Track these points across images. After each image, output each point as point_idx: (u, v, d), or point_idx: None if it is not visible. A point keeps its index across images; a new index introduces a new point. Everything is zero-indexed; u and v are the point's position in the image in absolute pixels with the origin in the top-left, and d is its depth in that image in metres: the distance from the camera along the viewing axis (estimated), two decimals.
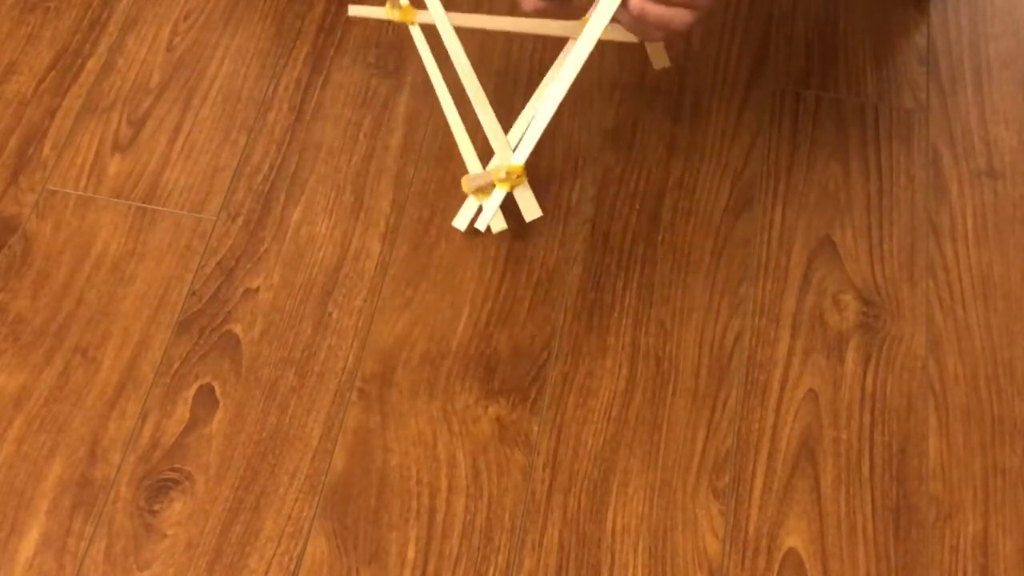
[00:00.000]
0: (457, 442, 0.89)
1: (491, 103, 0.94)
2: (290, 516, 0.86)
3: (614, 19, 0.86)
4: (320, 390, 0.91)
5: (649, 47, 1.02)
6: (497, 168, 0.93)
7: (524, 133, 0.92)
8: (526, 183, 0.93)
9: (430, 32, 0.97)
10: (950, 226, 1.02)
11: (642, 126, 1.06)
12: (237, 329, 0.93)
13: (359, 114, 1.05)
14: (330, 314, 0.95)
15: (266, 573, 0.83)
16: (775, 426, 0.91)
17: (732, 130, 1.07)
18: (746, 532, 0.86)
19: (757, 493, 0.88)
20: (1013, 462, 0.90)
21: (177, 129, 1.04)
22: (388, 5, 0.98)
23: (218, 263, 0.97)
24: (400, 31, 1.10)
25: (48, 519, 0.85)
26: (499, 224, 0.95)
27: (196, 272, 0.96)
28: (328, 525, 0.85)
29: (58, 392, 0.90)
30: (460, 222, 0.98)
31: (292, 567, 0.84)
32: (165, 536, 0.84)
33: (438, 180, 1.02)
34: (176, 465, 0.87)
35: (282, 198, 1.01)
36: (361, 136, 1.04)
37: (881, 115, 1.08)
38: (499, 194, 0.93)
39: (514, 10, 0.96)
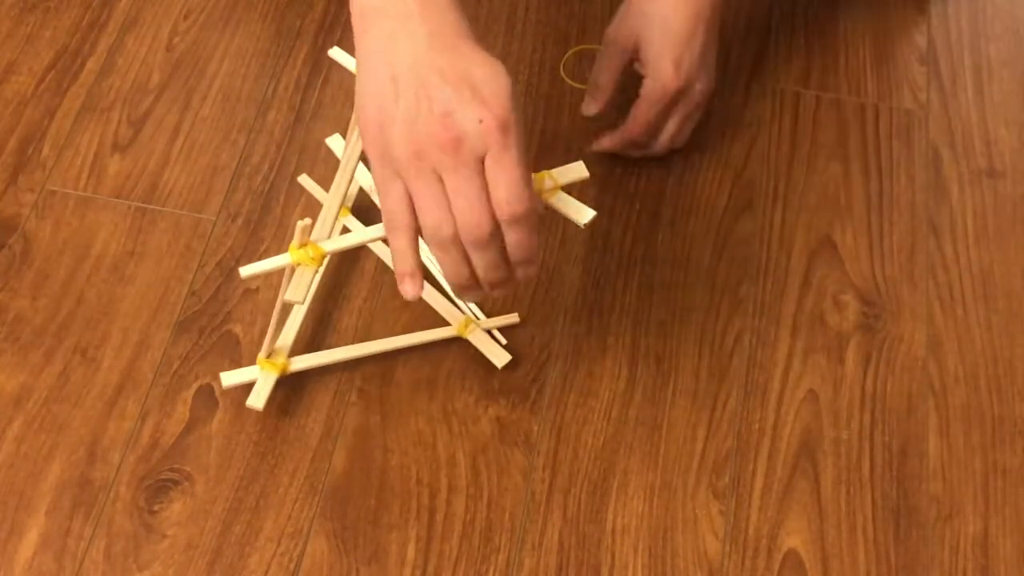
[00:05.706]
0: (457, 442, 0.89)
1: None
2: (290, 516, 0.86)
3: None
4: (320, 390, 0.91)
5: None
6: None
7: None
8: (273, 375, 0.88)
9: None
10: (950, 226, 1.02)
11: None
12: (237, 329, 0.93)
13: None
14: (330, 314, 0.95)
15: (266, 573, 0.83)
16: (775, 426, 0.91)
17: (732, 130, 1.07)
18: (746, 532, 0.86)
19: (757, 493, 0.88)
20: (1013, 462, 0.90)
21: (177, 129, 1.04)
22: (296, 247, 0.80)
23: (218, 263, 0.97)
24: None
25: (48, 519, 0.85)
26: (257, 400, 0.87)
27: (196, 272, 0.96)
28: (328, 525, 0.85)
29: (58, 392, 0.90)
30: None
31: (292, 567, 0.84)
32: (165, 536, 0.84)
33: None
34: (176, 465, 0.87)
35: (282, 198, 1.00)
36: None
37: (881, 115, 1.08)
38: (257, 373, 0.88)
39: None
